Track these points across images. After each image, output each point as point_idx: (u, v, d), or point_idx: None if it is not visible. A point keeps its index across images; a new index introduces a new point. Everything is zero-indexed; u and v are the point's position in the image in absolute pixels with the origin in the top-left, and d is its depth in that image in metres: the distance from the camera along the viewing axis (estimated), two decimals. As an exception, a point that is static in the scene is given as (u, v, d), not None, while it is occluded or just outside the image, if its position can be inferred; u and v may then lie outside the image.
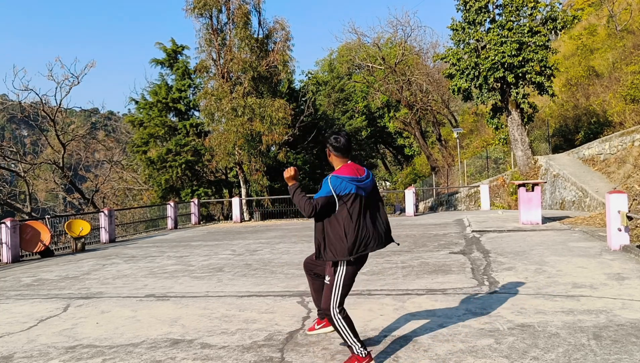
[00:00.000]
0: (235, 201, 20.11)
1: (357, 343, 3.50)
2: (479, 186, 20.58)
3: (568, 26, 21.83)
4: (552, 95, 20.13)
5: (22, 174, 26.70)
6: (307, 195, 3.62)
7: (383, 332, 4.42)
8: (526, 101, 19.82)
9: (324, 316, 3.77)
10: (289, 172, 3.66)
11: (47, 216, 15.85)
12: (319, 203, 3.48)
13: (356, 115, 40.73)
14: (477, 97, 20.61)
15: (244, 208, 22.26)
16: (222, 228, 16.97)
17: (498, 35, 19.35)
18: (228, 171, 29.12)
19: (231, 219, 20.52)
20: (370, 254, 4.27)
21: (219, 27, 24.34)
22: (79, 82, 26.74)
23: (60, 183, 33.61)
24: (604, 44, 27.90)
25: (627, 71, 21.72)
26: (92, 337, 4.79)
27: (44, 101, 26.41)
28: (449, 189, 27.94)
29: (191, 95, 28.35)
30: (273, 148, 26.52)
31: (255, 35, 24.55)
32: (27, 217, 22.25)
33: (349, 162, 3.69)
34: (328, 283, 3.59)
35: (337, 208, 3.51)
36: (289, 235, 13.03)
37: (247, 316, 5.23)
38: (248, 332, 4.68)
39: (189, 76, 28.22)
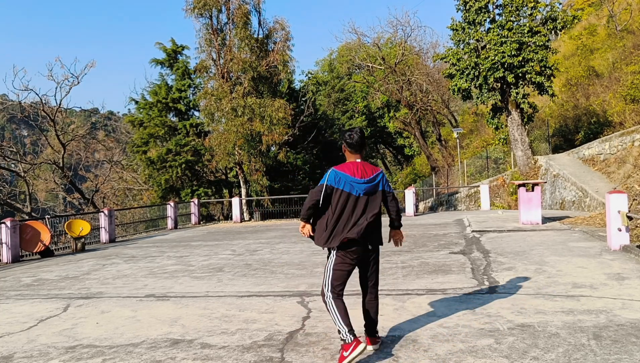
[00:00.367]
0: (235, 201, 20.11)
1: (345, 328, 3.62)
2: (479, 186, 20.58)
3: (568, 26, 21.82)
4: (552, 95, 20.13)
5: (22, 174, 26.69)
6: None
7: (383, 332, 4.41)
8: (526, 101, 19.81)
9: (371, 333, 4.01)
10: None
11: (47, 216, 15.85)
12: (314, 192, 3.80)
13: (356, 115, 40.73)
14: (477, 97, 20.60)
15: (244, 208, 22.27)
16: (222, 228, 16.97)
17: (498, 35, 19.35)
18: (228, 171, 29.13)
19: (231, 219, 20.52)
20: None
21: (219, 27, 24.35)
22: (79, 82, 26.77)
23: (60, 183, 33.60)
24: (604, 44, 27.90)
25: (627, 71, 21.72)
26: (92, 337, 4.79)
27: (44, 101, 26.42)
28: (449, 189, 27.94)
29: (191, 95, 28.37)
30: (273, 148, 26.53)
31: (255, 36, 24.57)
32: (27, 217, 22.25)
33: (358, 160, 3.86)
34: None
35: (330, 200, 3.79)
36: (289, 235, 13.02)
37: (247, 316, 5.23)
38: (248, 332, 4.68)
39: (189, 76, 28.23)
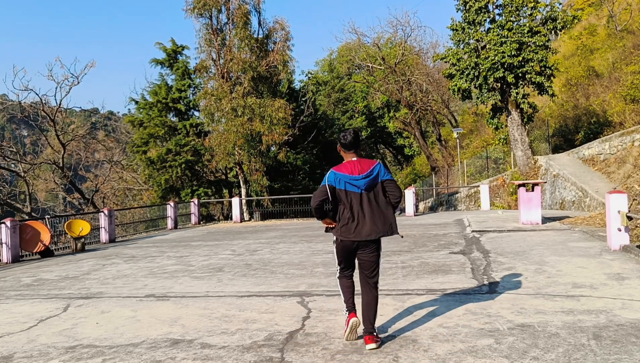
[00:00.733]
0: (235, 201, 20.11)
1: (345, 304, 4.12)
2: (478, 186, 20.58)
3: (568, 26, 21.82)
4: (552, 95, 20.13)
5: (22, 174, 26.70)
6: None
7: (383, 332, 4.42)
8: (526, 101, 19.81)
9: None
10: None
11: (47, 216, 15.85)
12: (315, 195, 4.06)
13: (356, 115, 40.74)
14: (477, 97, 20.61)
15: (244, 208, 22.26)
16: (222, 228, 16.97)
17: (498, 35, 19.35)
18: (228, 171, 29.13)
19: (231, 219, 20.52)
20: None
21: (218, 27, 24.34)
22: (78, 82, 26.79)
23: (60, 183, 33.60)
24: (604, 44, 27.91)
25: (627, 71, 21.72)
26: (92, 337, 4.79)
27: (44, 101, 26.43)
28: (449, 189, 27.94)
29: (191, 95, 28.37)
30: (273, 148, 26.52)
31: (255, 36, 24.56)
32: (27, 217, 22.25)
33: (354, 159, 4.07)
34: None
35: (338, 197, 4.06)
36: (289, 235, 13.03)
37: (247, 316, 5.23)
38: (248, 332, 4.68)
39: (189, 76, 28.23)
